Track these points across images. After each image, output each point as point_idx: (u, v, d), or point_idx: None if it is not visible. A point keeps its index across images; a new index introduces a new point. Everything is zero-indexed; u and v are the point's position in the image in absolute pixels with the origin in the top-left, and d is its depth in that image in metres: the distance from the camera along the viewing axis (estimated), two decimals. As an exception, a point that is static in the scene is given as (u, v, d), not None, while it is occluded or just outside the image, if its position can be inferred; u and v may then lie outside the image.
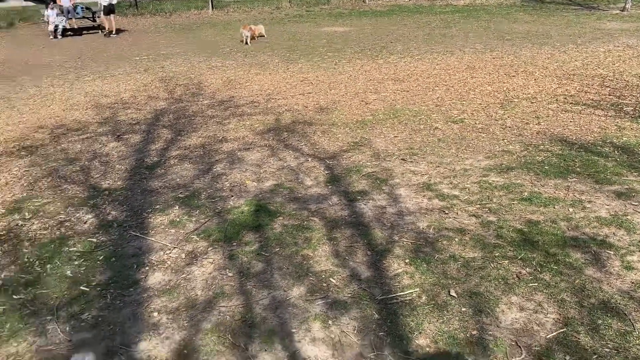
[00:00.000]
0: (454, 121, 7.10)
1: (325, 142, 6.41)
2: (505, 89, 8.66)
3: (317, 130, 6.84)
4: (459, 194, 4.85)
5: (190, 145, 6.54)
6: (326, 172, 5.49)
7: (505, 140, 6.30)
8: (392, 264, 3.75)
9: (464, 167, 5.48)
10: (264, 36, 16.03)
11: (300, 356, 2.93)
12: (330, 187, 5.14)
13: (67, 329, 3.26)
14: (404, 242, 4.03)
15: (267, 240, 4.18)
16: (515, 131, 6.62)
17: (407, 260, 3.78)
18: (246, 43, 14.52)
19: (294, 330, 3.13)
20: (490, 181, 5.09)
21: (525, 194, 4.77)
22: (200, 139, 6.76)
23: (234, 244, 4.15)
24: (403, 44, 13.76)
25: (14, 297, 3.60)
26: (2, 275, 3.86)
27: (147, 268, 3.88)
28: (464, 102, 7.97)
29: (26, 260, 4.05)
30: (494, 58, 11.22)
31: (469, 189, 4.93)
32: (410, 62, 11.22)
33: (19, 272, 3.89)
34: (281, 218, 4.52)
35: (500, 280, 3.51)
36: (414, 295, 3.39)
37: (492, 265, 3.68)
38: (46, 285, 3.71)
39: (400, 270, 3.67)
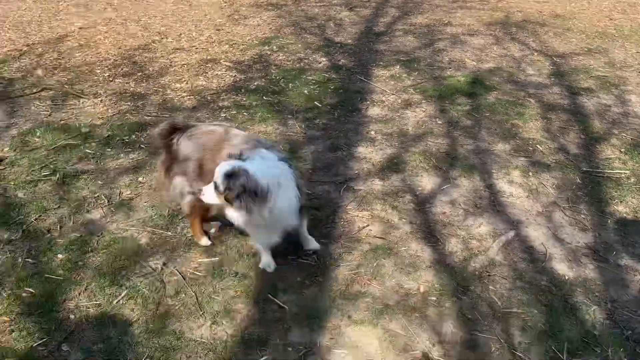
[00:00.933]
0: None
1: (555, 43, 6.09)
2: None
3: (549, 32, 6.49)
4: (703, 113, 4.35)
5: (415, 23, 6.78)
6: (551, 67, 5.30)
7: None
8: (605, 150, 3.68)
9: None
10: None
11: (496, 189, 3.21)
12: (552, 79, 5.00)
13: (303, 126, 3.99)
14: (623, 137, 3.87)
15: (478, 106, 4.37)
16: None
17: (622, 150, 3.67)
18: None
19: (493, 171, 3.39)
20: None
21: None
22: (426, 20, 6.93)
23: (447, 102, 4.44)
24: (674, -32, 11.59)
25: (264, 98, 4.47)
26: (256, 83, 4.77)
27: (367, 103, 4.42)
28: None
29: (273, 77, 4.90)
30: None
31: None
32: (679, -12, 9.52)
33: (268, 83, 4.76)
34: (496, 92, 4.63)
35: None
36: (623, 175, 3.34)
37: None
38: (288, 96, 4.50)
39: (613, 156, 3.59)
